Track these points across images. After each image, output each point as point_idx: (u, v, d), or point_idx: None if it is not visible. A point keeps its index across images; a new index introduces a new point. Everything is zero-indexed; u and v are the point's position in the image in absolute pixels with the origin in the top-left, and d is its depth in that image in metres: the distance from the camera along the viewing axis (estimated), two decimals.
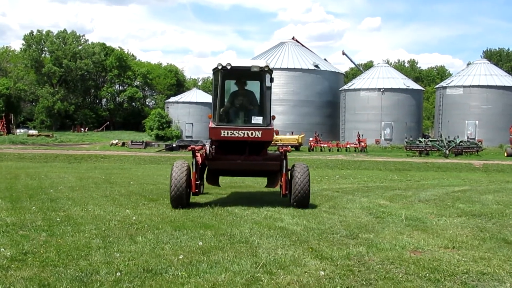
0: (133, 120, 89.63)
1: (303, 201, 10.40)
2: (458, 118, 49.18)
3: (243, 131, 10.35)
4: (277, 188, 11.52)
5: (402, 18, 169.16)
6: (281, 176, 10.75)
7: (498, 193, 13.93)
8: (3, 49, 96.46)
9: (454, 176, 21.65)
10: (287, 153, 10.69)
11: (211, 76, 11.05)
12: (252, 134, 10.35)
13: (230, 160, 10.86)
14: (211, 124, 10.57)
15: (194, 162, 10.46)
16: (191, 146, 10.72)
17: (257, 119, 10.54)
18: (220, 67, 10.22)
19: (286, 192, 10.64)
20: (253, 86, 11.25)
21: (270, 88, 10.71)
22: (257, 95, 11.19)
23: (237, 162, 10.79)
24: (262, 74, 10.60)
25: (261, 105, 10.99)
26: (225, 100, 11.06)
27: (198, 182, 10.59)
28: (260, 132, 10.37)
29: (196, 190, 10.50)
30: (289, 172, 10.68)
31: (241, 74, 10.89)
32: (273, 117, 10.80)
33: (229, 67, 10.21)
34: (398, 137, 49.32)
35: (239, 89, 11.15)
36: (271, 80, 10.67)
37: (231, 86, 11.29)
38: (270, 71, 10.59)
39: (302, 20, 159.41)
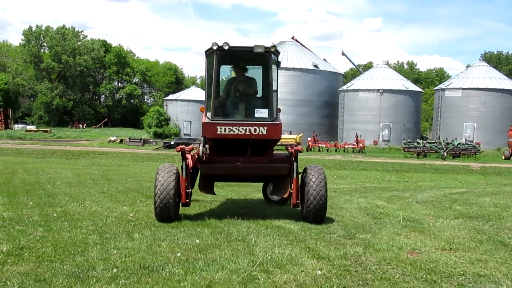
0: (131, 117, 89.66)
1: (318, 215, 8.64)
2: (456, 121, 49.19)
3: (244, 127, 8.67)
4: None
5: (402, 20, 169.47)
6: (291, 182, 8.95)
7: (496, 196, 13.93)
8: (2, 43, 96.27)
9: (451, 178, 21.66)
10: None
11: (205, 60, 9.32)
12: (255, 130, 8.68)
13: (229, 163, 9.14)
14: (205, 119, 8.86)
15: (184, 166, 8.78)
16: (180, 146, 9.00)
17: (261, 112, 8.89)
18: (215, 48, 8.58)
19: (298, 201, 8.86)
20: (255, 72, 9.59)
21: (277, 74, 9.09)
22: (260, 83, 9.54)
23: (237, 165, 9.05)
24: (267, 56, 8.89)
25: (265, 95, 9.28)
26: (221, 89, 9.47)
27: (189, 191, 8.91)
28: (265, 128, 8.71)
29: (187, 200, 8.80)
30: (300, 177, 9.04)
31: (241, 57, 9.28)
32: (279, 110, 9.31)
33: (226, 48, 8.56)
34: (396, 139, 49.32)
35: (238, 76, 9.43)
36: (278, 64, 9.07)
37: (228, 73, 9.82)
38: (277, 52, 8.97)
39: (302, 20, 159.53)
